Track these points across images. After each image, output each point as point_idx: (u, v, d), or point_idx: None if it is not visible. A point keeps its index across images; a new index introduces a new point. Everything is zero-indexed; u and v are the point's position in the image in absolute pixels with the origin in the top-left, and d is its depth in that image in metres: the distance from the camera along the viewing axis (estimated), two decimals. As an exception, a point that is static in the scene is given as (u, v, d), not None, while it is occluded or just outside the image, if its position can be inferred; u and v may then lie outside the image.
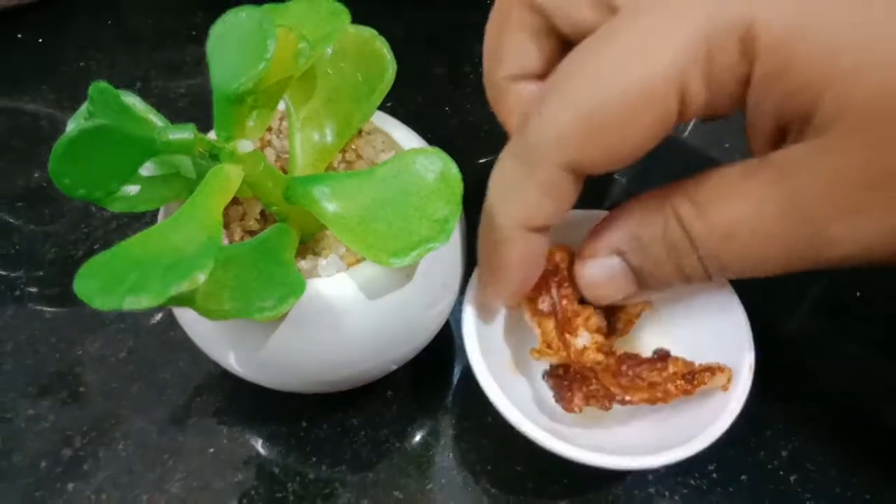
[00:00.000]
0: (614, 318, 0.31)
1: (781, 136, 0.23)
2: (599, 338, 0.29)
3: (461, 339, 0.29)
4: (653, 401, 0.28)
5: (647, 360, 0.29)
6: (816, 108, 0.21)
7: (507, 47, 0.30)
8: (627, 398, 0.28)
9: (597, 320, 0.29)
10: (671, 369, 0.28)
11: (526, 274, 0.28)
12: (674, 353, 0.30)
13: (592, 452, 0.26)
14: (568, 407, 0.28)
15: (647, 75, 0.22)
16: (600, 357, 0.29)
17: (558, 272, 0.29)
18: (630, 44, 0.23)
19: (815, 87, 0.21)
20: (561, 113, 0.24)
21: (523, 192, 0.25)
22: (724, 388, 0.28)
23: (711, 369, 0.28)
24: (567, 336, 0.29)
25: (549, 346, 0.29)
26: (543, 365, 0.30)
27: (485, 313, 0.30)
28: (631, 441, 0.29)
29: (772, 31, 0.21)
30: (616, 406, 0.28)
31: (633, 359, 0.29)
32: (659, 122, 0.23)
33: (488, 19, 0.31)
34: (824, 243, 0.22)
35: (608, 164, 0.24)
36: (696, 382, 0.28)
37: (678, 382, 0.28)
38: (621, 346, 0.31)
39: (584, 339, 0.29)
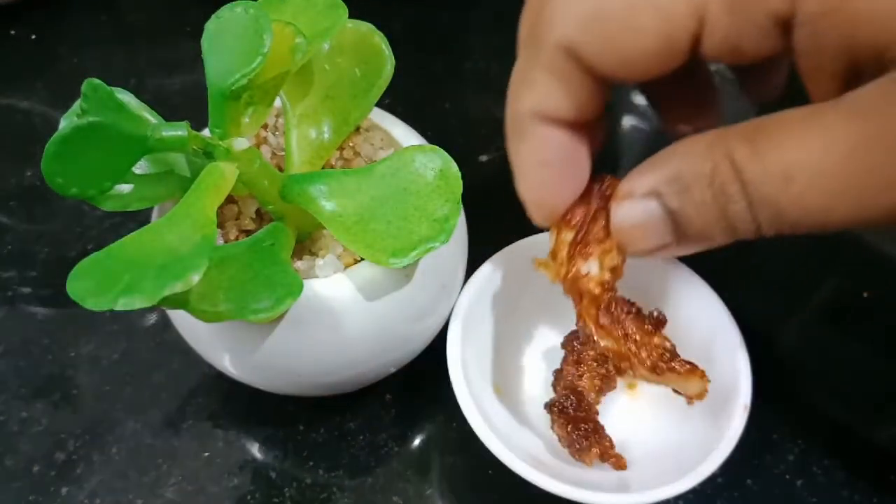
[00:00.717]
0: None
1: (852, 80, 0.21)
2: (608, 276, 0.27)
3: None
4: (618, 355, 0.26)
5: (640, 316, 0.27)
6: (891, 38, 0.19)
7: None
8: (596, 338, 0.27)
9: (616, 259, 0.27)
10: (655, 340, 0.27)
11: (550, 173, 0.26)
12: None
13: (579, 489, 0.26)
14: (580, 458, 0.28)
15: None
16: (597, 291, 0.27)
17: (607, 199, 0.27)
18: None
19: (882, 17, 0.19)
20: None
21: (531, 77, 0.25)
22: (697, 397, 0.26)
23: (692, 368, 0.27)
24: (577, 257, 0.27)
25: (553, 258, 0.27)
26: (533, 388, 0.30)
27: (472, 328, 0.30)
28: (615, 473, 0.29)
29: None
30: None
31: (628, 306, 0.27)
32: (666, 33, 0.22)
33: None
34: None
35: (608, 59, 0.23)
36: (669, 367, 0.26)
37: (653, 354, 0.26)
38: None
39: (591, 267, 0.27)
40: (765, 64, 0.24)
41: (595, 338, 0.27)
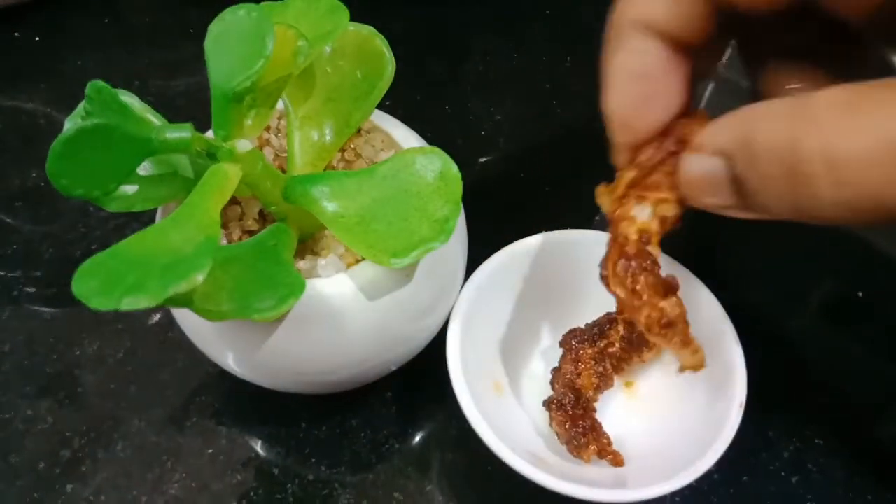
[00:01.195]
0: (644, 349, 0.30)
1: None
2: (655, 227, 0.25)
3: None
4: (623, 306, 0.26)
5: (657, 277, 0.26)
6: None
7: None
8: (609, 283, 0.26)
9: (671, 210, 0.25)
10: (662, 303, 0.25)
11: (641, 88, 0.25)
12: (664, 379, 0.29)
13: (577, 485, 0.26)
14: (578, 455, 0.28)
15: None
16: (633, 237, 0.25)
17: (683, 144, 0.25)
18: None
19: None
20: None
21: None
22: (690, 369, 0.27)
23: (684, 342, 0.26)
24: (630, 198, 0.26)
25: (614, 189, 0.26)
26: (532, 386, 0.30)
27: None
28: (613, 471, 0.29)
29: None
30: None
31: (648, 262, 0.26)
32: None
33: None
34: None
35: None
36: (661, 334, 0.25)
37: (651, 316, 0.25)
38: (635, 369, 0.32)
39: (642, 213, 0.25)
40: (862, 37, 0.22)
41: (610, 284, 0.26)
